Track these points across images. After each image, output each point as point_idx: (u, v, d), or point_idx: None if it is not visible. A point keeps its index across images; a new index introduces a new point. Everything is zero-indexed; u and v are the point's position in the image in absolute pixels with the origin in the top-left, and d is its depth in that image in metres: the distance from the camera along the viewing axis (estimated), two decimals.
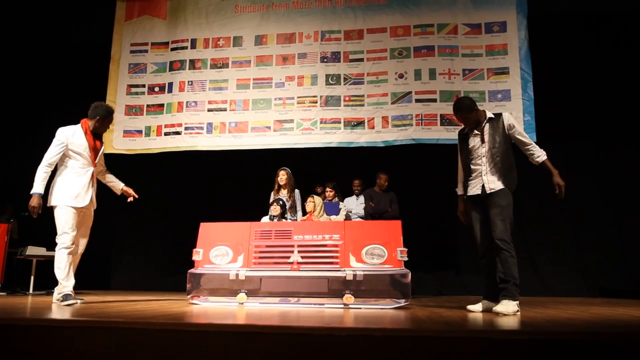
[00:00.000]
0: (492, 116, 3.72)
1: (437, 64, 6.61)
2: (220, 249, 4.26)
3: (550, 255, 7.03)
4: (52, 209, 3.99)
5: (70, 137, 4.04)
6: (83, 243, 4.15)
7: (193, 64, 7.15)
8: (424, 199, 6.87)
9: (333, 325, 2.21)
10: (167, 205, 8.06)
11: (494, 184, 3.58)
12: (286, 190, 5.79)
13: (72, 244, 3.93)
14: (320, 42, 6.93)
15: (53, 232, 3.97)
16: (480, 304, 3.61)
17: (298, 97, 6.80)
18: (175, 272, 6.94)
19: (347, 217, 6.08)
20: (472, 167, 3.71)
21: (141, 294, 6.12)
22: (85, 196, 4.02)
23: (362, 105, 6.65)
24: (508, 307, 3.26)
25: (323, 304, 3.91)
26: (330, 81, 6.78)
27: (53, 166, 4.00)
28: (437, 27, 6.73)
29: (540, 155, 3.64)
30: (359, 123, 6.60)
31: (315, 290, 3.98)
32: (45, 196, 3.99)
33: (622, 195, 6.96)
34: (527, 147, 3.68)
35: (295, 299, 4.01)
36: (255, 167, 6.98)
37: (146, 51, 7.32)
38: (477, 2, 6.69)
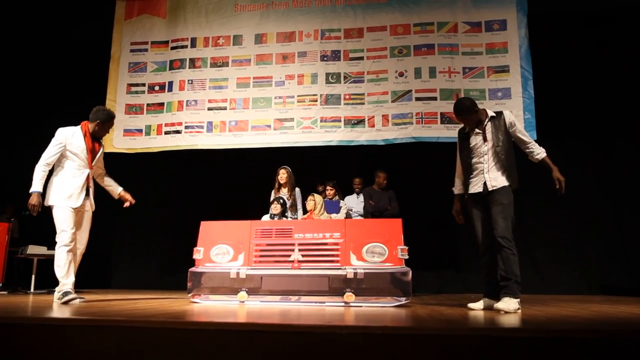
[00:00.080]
0: (494, 114, 3.72)
1: (437, 62, 6.60)
2: (220, 248, 4.27)
3: (551, 253, 7.04)
4: (50, 208, 4.02)
5: (69, 137, 4.07)
6: (83, 244, 4.16)
7: (193, 63, 7.14)
8: (424, 197, 6.87)
9: (334, 324, 2.21)
10: (168, 204, 8.06)
11: (496, 181, 3.58)
12: (286, 189, 5.79)
13: (71, 241, 3.95)
14: (320, 41, 6.92)
15: (53, 231, 3.99)
16: (481, 301, 3.62)
17: (298, 96, 6.80)
18: (176, 270, 6.95)
19: (348, 216, 6.08)
20: (474, 165, 3.71)
21: (142, 292, 6.13)
22: (79, 197, 4.04)
23: (363, 103, 6.64)
24: (509, 305, 3.26)
25: (324, 302, 3.91)
26: (331, 80, 6.78)
27: (51, 166, 4.04)
28: (437, 25, 6.72)
29: (539, 152, 3.65)
30: (359, 121, 6.59)
31: (316, 289, 3.99)
32: (43, 195, 4.02)
33: (623, 193, 6.96)
34: (527, 145, 3.69)
35: (296, 297, 4.01)
36: (256, 166, 6.98)
37: (146, 50, 7.31)
38: (477, 0, 6.68)
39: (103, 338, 2.12)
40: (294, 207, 5.75)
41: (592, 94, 6.98)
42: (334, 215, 5.81)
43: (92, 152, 4.16)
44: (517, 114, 6.10)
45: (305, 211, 5.65)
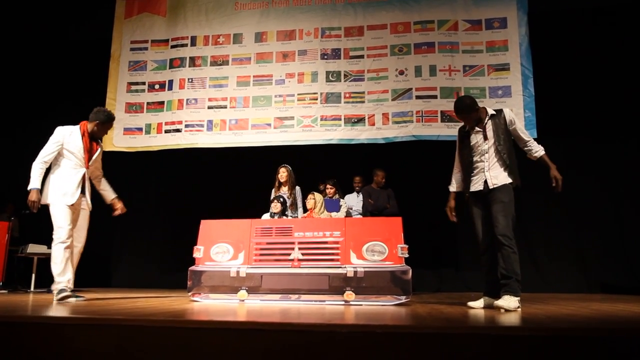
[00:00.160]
0: (494, 113, 3.72)
1: (438, 60, 6.60)
2: (221, 247, 4.27)
3: (550, 252, 7.04)
4: (47, 206, 4.05)
5: (67, 136, 4.12)
6: (81, 242, 4.19)
7: (193, 62, 7.14)
8: (424, 196, 6.85)
9: (334, 322, 2.21)
10: (168, 203, 8.07)
11: (497, 179, 3.58)
12: (287, 188, 5.78)
13: (68, 237, 3.98)
14: (320, 39, 6.92)
15: (53, 230, 4.01)
16: (481, 300, 3.61)
17: (298, 94, 6.80)
18: (176, 269, 6.95)
19: (348, 214, 6.08)
20: (475, 164, 3.71)
21: (142, 291, 6.13)
22: (74, 194, 4.06)
23: (363, 102, 6.64)
24: (509, 303, 3.26)
25: (324, 301, 3.91)
26: (331, 78, 6.77)
27: (48, 164, 4.09)
28: (437, 23, 6.71)
29: (538, 150, 3.66)
30: (360, 120, 6.59)
31: (316, 287, 3.98)
32: (41, 194, 4.05)
33: (623, 191, 6.96)
34: (526, 142, 3.70)
35: (296, 296, 4.01)
36: (256, 165, 6.98)
37: (146, 49, 7.31)
38: None
39: (103, 337, 2.12)
40: (294, 205, 5.74)
41: (593, 92, 6.97)
42: (334, 214, 5.81)
43: (89, 152, 4.20)
44: (517, 112, 6.10)
45: (305, 210, 5.64)
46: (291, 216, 5.59)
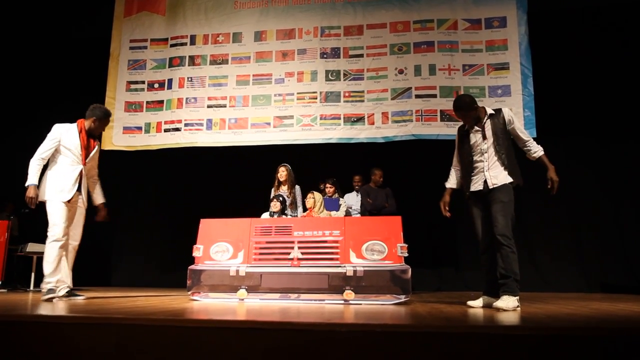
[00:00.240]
0: (493, 112, 3.72)
1: (437, 59, 6.59)
2: (220, 245, 4.27)
3: (550, 251, 7.04)
4: (44, 204, 4.08)
5: (65, 133, 4.15)
6: (76, 239, 4.21)
7: (192, 60, 7.13)
8: (424, 195, 6.83)
9: (333, 321, 2.21)
10: (167, 202, 8.07)
11: (496, 179, 3.58)
12: (286, 187, 5.78)
13: (63, 235, 4.00)
14: (319, 38, 6.91)
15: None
16: (480, 299, 3.62)
17: (298, 93, 6.79)
18: (175, 268, 6.95)
19: (348, 213, 6.08)
20: (474, 163, 3.70)
21: (141, 290, 6.13)
22: (71, 191, 4.09)
23: (362, 101, 6.64)
24: (508, 303, 3.26)
25: (323, 300, 3.91)
26: (330, 77, 6.77)
27: (45, 160, 4.11)
28: (436, 22, 6.71)
29: (537, 151, 3.66)
30: (359, 119, 6.59)
31: (315, 287, 3.98)
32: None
33: (623, 191, 6.96)
34: (525, 142, 3.70)
35: (296, 295, 4.01)
36: (255, 164, 6.98)
37: (145, 47, 7.30)
38: None
39: (102, 336, 2.12)
40: (293, 204, 5.74)
41: (592, 91, 6.97)
42: (333, 213, 5.81)
43: (86, 149, 4.22)
44: (516, 112, 6.10)
45: (305, 209, 5.64)
46: (291, 215, 5.59)
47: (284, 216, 5.43)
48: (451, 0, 6.73)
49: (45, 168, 4.14)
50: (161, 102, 7.09)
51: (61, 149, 4.13)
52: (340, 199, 6.14)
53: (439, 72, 6.56)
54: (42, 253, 6.07)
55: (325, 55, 6.84)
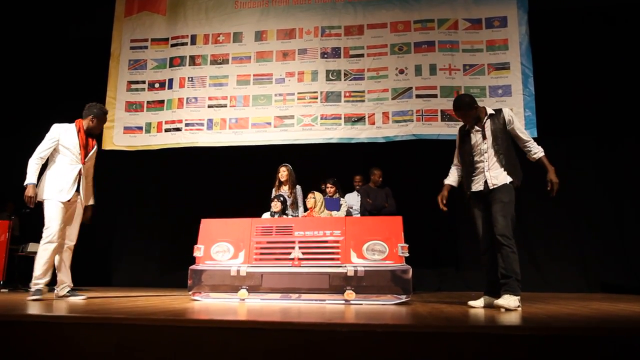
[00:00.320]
0: (493, 112, 3.72)
1: (438, 59, 6.59)
2: (221, 245, 4.27)
3: (551, 251, 7.04)
4: (42, 203, 4.11)
5: (63, 133, 4.18)
6: (73, 239, 4.23)
7: (193, 60, 7.13)
8: (425, 195, 6.83)
9: (334, 322, 2.21)
10: (168, 202, 8.07)
11: (496, 179, 3.58)
12: (287, 187, 5.78)
13: (58, 237, 4.02)
14: (320, 38, 6.91)
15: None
16: (481, 299, 3.62)
17: (298, 93, 6.79)
18: (176, 268, 6.95)
19: (348, 213, 6.08)
20: (475, 164, 3.71)
21: (142, 290, 6.14)
22: (70, 191, 4.12)
23: (363, 101, 6.63)
24: (510, 302, 3.26)
25: (324, 300, 3.91)
26: (331, 77, 6.77)
27: (44, 160, 4.14)
28: (437, 22, 6.70)
29: (537, 151, 3.65)
30: (360, 119, 6.59)
31: (316, 287, 3.98)
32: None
33: (623, 191, 6.96)
34: (525, 143, 3.69)
35: (297, 295, 4.01)
36: (256, 163, 6.98)
37: (146, 47, 7.30)
38: None
39: (103, 336, 2.12)
40: (294, 204, 5.75)
41: (593, 91, 6.96)
42: (334, 213, 5.81)
43: (84, 148, 4.25)
44: (517, 112, 6.09)
45: (306, 209, 5.65)
46: (292, 215, 5.59)
47: (284, 216, 5.43)
48: (452, 0, 6.72)
49: (44, 168, 4.17)
50: (162, 102, 7.09)
51: (60, 149, 4.16)
52: (341, 199, 6.15)
53: (440, 72, 6.55)
54: None
55: (325, 55, 6.84)
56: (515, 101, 6.28)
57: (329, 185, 6.13)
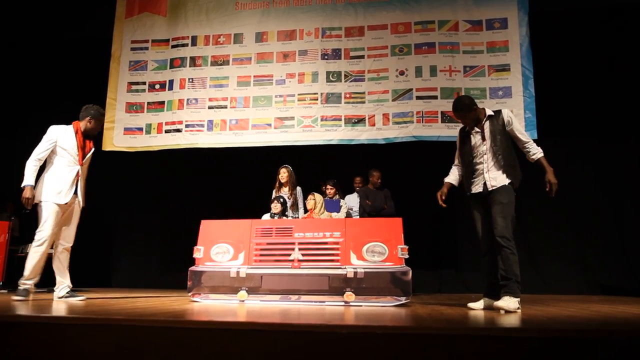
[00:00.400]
0: (492, 114, 3.72)
1: (438, 60, 6.59)
2: (221, 247, 4.27)
3: (550, 253, 7.03)
4: (38, 205, 4.13)
5: (61, 134, 4.21)
6: (70, 240, 4.25)
7: (194, 61, 7.14)
8: (425, 197, 6.83)
9: (334, 323, 2.21)
10: (168, 203, 8.06)
11: (495, 181, 3.58)
12: (287, 188, 5.79)
13: (49, 241, 4.06)
14: (320, 39, 6.91)
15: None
16: (481, 301, 3.62)
17: (299, 95, 6.79)
18: (176, 269, 6.96)
19: (348, 215, 6.08)
20: (475, 165, 3.71)
21: (142, 291, 6.13)
22: (68, 193, 4.14)
23: (363, 102, 6.63)
24: (509, 303, 3.26)
25: (324, 302, 3.91)
26: (331, 78, 6.77)
27: (42, 161, 4.16)
28: (437, 23, 6.70)
29: (536, 152, 3.65)
30: (360, 120, 6.59)
31: (316, 288, 3.98)
32: None
33: (623, 193, 6.96)
34: (525, 144, 3.69)
35: (296, 296, 4.01)
36: (256, 165, 6.98)
37: (147, 48, 7.30)
38: None
39: (103, 337, 2.12)
40: (295, 206, 5.75)
41: (593, 93, 6.96)
42: (334, 215, 5.81)
43: (82, 149, 4.27)
44: (517, 113, 6.09)
45: (306, 210, 5.65)
46: (292, 217, 5.59)
47: (284, 217, 5.43)
48: (452, 2, 6.73)
49: (41, 170, 4.18)
50: (162, 103, 7.09)
51: (58, 150, 4.17)
52: (341, 200, 6.15)
53: (440, 73, 6.55)
54: None
55: (326, 57, 6.84)
56: (515, 103, 6.28)
57: (329, 186, 6.13)
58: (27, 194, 4.03)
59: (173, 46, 7.26)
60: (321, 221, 4.79)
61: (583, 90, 6.96)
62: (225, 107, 6.91)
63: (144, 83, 7.19)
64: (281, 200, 5.50)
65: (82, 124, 4.31)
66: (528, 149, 3.67)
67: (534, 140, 3.77)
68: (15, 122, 8.04)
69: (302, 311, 3.12)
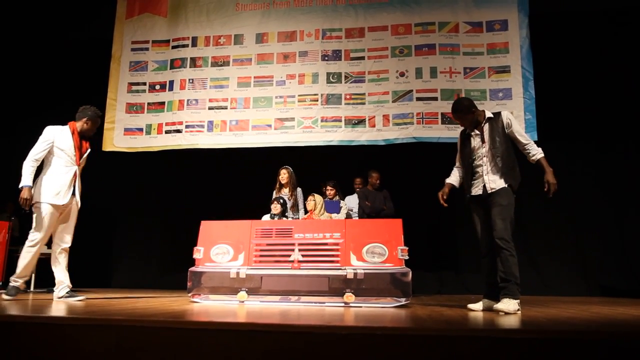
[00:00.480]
0: (492, 116, 3.72)
1: (438, 62, 6.59)
2: (221, 247, 4.27)
3: (550, 254, 7.03)
4: (35, 205, 4.13)
5: (58, 135, 4.21)
6: (68, 239, 4.26)
7: (194, 62, 7.14)
8: (425, 198, 6.83)
9: (334, 324, 2.21)
10: (168, 204, 8.06)
11: (494, 183, 3.58)
12: (288, 189, 5.79)
13: (41, 241, 4.08)
14: (321, 40, 6.91)
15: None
16: (480, 302, 3.62)
17: (299, 95, 6.79)
18: (176, 270, 6.95)
19: (348, 216, 6.08)
20: (475, 168, 3.71)
21: (142, 292, 6.13)
22: (67, 194, 4.15)
23: (363, 103, 6.64)
24: (509, 305, 3.26)
25: (324, 303, 3.91)
26: (331, 79, 6.77)
27: (39, 162, 4.17)
28: (438, 25, 6.71)
29: (536, 153, 3.65)
30: (360, 121, 6.59)
31: (315, 289, 3.99)
32: None
33: (623, 194, 6.95)
34: (525, 145, 3.69)
35: (296, 297, 4.01)
36: (256, 166, 6.98)
37: (147, 49, 7.31)
38: (479, 0, 6.68)
39: (103, 337, 2.12)
40: (295, 207, 5.75)
41: (594, 94, 6.96)
42: (334, 216, 5.81)
43: (79, 149, 4.28)
44: (517, 115, 6.10)
45: (306, 211, 5.65)
46: (293, 217, 5.59)
47: (284, 218, 5.43)
48: (452, 3, 6.73)
49: (39, 171, 4.18)
50: (162, 103, 7.09)
51: (55, 151, 4.18)
52: (341, 201, 6.15)
53: (440, 74, 6.55)
54: (43, 254, 6.11)
55: (326, 58, 6.85)
56: (515, 104, 6.28)
57: (329, 187, 6.13)
58: (25, 194, 4.03)
59: (173, 47, 7.26)
60: (321, 222, 4.79)
61: (583, 92, 6.96)
62: (226, 107, 6.91)
63: (144, 84, 7.19)
64: (281, 201, 5.50)
65: (79, 125, 4.32)
66: (528, 150, 3.68)
67: (534, 142, 3.77)
68: (16, 123, 8.04)
69: (302, 312, 3.12)
